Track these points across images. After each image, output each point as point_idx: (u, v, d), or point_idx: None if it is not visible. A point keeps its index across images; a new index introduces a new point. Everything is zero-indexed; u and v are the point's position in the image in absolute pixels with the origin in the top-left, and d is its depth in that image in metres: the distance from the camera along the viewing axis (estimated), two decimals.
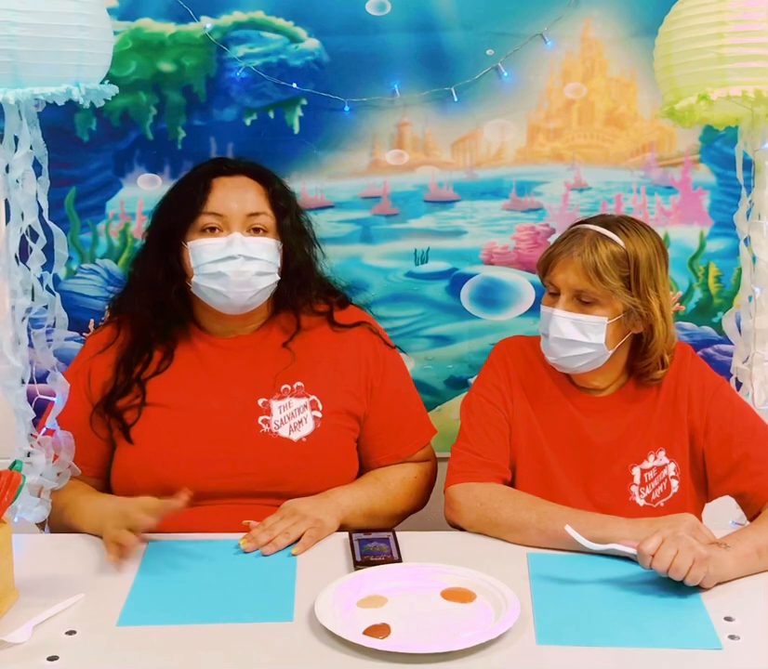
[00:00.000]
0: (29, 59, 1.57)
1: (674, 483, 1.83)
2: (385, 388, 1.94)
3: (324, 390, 1.89)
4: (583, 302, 1.75)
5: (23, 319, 1.72)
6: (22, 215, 1.66)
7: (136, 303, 1.90)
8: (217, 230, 1.81)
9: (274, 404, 1.86)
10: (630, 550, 1.56)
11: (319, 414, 1.87)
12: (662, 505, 1.82)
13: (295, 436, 1.84)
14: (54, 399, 1.75)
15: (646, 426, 1.83)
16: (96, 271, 2.23)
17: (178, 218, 1.84)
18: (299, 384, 1.88)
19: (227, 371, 1.89)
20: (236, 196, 1.83)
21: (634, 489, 1.82)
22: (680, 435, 1.83)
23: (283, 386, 1.87)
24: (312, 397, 1.87)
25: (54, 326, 1.75)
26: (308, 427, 1.85)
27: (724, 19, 1.69)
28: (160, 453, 1.82)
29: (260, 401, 1.86)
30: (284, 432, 1.84)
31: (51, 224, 1.70)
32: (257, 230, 1.83)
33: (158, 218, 1.91)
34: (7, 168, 1.65)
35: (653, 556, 1.50)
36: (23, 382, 1.74)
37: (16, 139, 1.64)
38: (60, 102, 1.62)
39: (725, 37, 1.69)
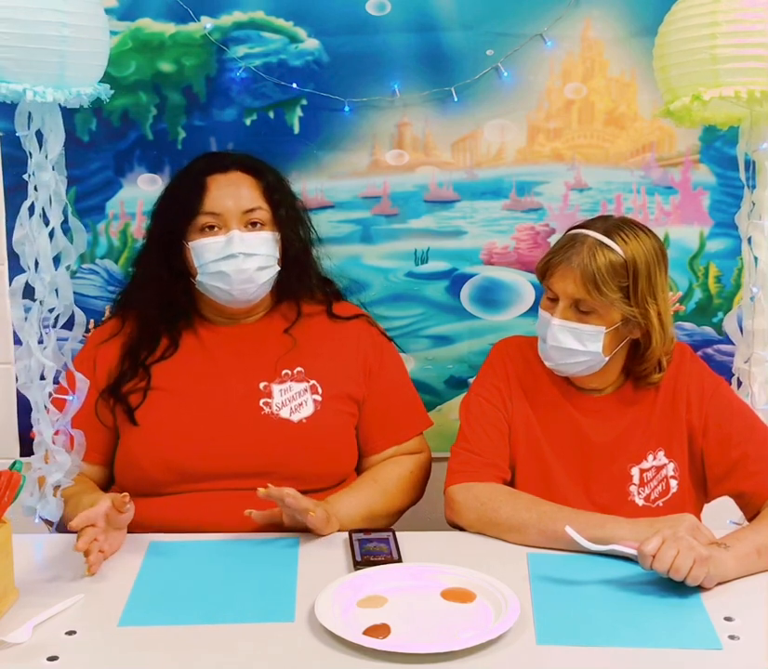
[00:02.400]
0: (75, 60, 1.59)
1: (673, 483, 1.83)
2: (383, 374, 1.97)
3: (324, 375, 1.92)
4: (581, 311, 1.75)
5: (45, 318, 1.72)
6: (44, 213, 1.66)
7: (142, 301, 1.94)
8: (215, 229, 1.86)
9: (275, 388, 1.89)
10: (630, 551, 1.56)
11: (319, 398, 1.90)
12: (661, 504, 1.82)
13: (295, 417, 1.87)
14: (69, 397, 1.75)
15: (645, 426, 1.84)
16: (96, 271, 2.23)
17: (176, 219, 1.88)
18: (300, 369, 1.91)
19: (229, 356, 1.93)
20: (231, 193, 1.87)
21: (633, 489, 1.82)
22: (679, 435, 1.83)
23: (283, 371, 1.91)
24: (312, 381, 1.91)
25: (70, 326, 1.74)
26: (308, 410, 1.88)
27: (717, 20, 1.68)
28: (164, 434, 1.85)
29: (261, 385, 1.89)
30: (284, 414, 1.87)
31: (73, 220, 1.72)
32: (254, 225, 1.87)
33: (157, 218, 1.96)
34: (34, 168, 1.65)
35: (653, 556, 1.50)
36: (44, 380, 1.73)
37: (39, 138, 1.63)
38: (86, 103, 1.63)
39: (718, 38, 1.68)
